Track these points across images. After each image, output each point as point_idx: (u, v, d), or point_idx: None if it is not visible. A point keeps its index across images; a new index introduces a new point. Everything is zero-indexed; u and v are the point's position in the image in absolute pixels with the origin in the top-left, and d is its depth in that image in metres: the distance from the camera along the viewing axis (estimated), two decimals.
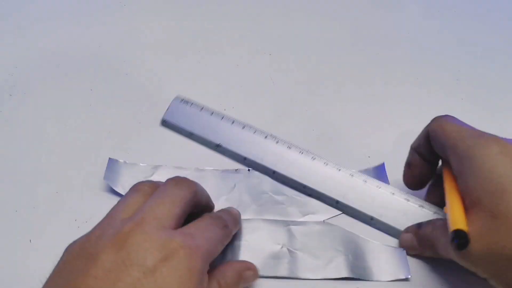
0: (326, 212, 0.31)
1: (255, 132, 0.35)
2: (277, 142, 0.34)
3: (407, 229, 0.29)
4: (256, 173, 0.33)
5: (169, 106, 0.37)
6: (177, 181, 0.24)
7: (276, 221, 0.30)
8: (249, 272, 0.25)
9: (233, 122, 0.35)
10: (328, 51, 0.45)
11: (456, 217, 0.22)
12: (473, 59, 0.46)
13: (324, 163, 0.32)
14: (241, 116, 0.38)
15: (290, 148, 0.33)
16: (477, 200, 0.22)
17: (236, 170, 0.33)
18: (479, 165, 0.22)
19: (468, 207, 0.23)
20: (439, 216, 0.29)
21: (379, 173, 0.33)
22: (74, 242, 0.21)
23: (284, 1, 0.52)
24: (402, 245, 0.29)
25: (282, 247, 0.29)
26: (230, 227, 0.25)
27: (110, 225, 0.20)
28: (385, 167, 0.33)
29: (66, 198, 0.31)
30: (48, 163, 0.34)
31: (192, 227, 0.22)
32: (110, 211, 0.22)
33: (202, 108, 0.36)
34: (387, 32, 0.48)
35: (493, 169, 0.22)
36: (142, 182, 0.25)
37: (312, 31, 0.48)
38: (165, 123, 0.36)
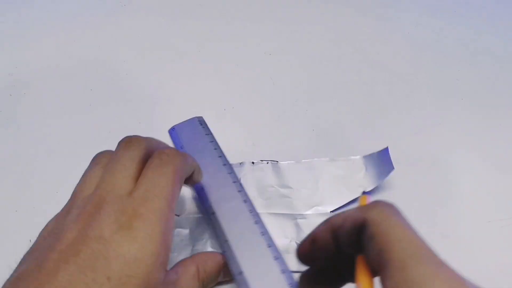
0: (332, 203, 0.31)
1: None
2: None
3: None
4: (260, 165, 0.33)
5: (186, 121, 0.36)
6: (126, 143, 0.24)
7: (283, 215, 0.30)
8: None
9: (230, 173, 0.31)
10: (328, 51, 0.45)
11: None
12: (473, 59, 0.46)
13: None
14: (241, 116, 0.38)
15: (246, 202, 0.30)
16: None
17: (240, 163, 0.33)
18: None
19: None
20: None
21: (383, 157, 0.33)
22: (46, 225, 0.22)
23: (284, 1, 0.52)
24: None
25: (290, 241, 0.29)
26: (186, 158, 0.25)
27: (74, 205, 0.22)
28: (389, 151, 0.32)
29: (66, 198, 0.31)
30: (48, 163, 0.34)
31: (144, 183, 0.22)
32: (74, 189, 0.23)
33: (212, 141, 0.33)
34: (387, 31, 0.48)
35: None
36: (100, 152, 0.25)
37: (312, 31, 0.48)
38: (171, 132, 0.35)
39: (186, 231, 0.29)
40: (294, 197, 0.31)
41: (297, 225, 0.30)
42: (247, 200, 0.29)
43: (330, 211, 0.31)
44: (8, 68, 0.41)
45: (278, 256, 0.26)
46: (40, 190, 0.32)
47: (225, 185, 0.30)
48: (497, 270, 0.29)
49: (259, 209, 0.30)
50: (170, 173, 0.23)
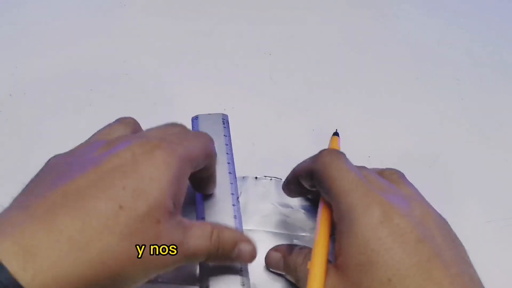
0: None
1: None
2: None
3: (277, 247, 0.27)
4: (263, 181, 0.33)
5: (211, 114, 0.34)
6: (168, 124, 0.26)
7: (279, 234, 0.30)
8: (246, 245, 0.25)
9: (232, 183, 0.31)
10: (328, 51, 0.45)
11: (317, 276, 0.22)
12: (473, 59, 0.46)
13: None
14: (241, 116, 0.38)
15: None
16: (345, 265, 0.21)
17: (243, 177, 0.33)
18: (356, 232, 0.21)
19: (336, 264, 0.22)
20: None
21: None
22: (56, 156, 0.24)
23: (284, 1, 0.52)
24: (267, 262, 0.27)
25: None
26: (212, 143, 0.26)
27: (105, 141, 0.23)
28: None
29: None
30: None
31: (172, 136, 0.24)
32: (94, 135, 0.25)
33: (227, 144, 0.32)
34: (387, 32, 0.48)
35: (367, 241, 0.20)
36: (124, 117, 0.27)
37: (312, 31, 0.48)
38: (193, 120, 0.34)
39: None
40: (293, 217, 0.31)
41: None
42: (237, 216, 0.28)
43: None
44: (8, 68, 0.41)
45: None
46: None
47: (222, 193, 0.29)
48: (497, 270, 0.29)
49: (254, 226, 0.30)
50: (201, 142, 0.24)
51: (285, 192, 0.29)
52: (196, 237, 0.22)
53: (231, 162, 0.31)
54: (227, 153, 0.32)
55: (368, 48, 0.46)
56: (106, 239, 0.18)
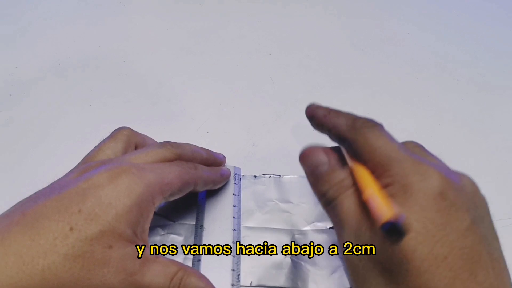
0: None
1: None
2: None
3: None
4: (262, 179, 0.33)
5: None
6: (162, 144, 0.27)
7: (281, 230, 0.30)
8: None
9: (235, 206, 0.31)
10: (328, 51, 0.45)
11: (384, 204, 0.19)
12: (473, 59, 0.46)
13: None
14: (241, 116, 0.38)
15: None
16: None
17: (242, 176, 0.33)
18: (412, 198, 0.19)
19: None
20: None
21: None
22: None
23: (284, 1, 0.52)
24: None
25: (285, 256, 0.28)
26: (197, 169, 0.27)
27: (86, 164, 0.24)
28: None
29: None
30: (48, 163, 0.34)
31: (148, 163, 0.24)
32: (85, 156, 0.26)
33: (235, 206, 0.31)
34: (387, 32, 0.48)
35: (425, 210, 0.19)
36: (119, 128, 0.28)
37: (312, 32, 0.48)
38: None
39: (180, 238, 0.29)
40: (293, 212, 0.31)
41: (295, 241, 0.29)
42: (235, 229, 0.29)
43: (329, 228, 0.30)
44: (8, 68, 0.41)
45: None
46: None
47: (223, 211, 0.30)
48: None
49: (255, 224, 0.30)
50: (177, 170, 0.24)
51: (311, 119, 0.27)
52: (155, 273, 0.22)
53: (236, 217, 0.30)
54: (234, 205, 0.31)
55: (368, 48, 0.46)
56: (51, 257, 0.19)
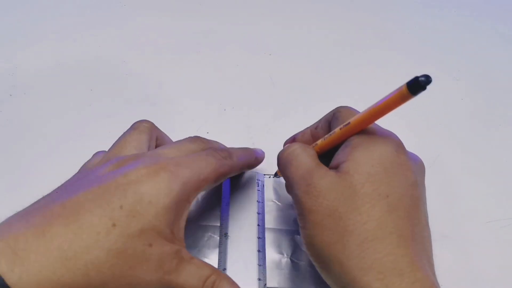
0: None
1: None
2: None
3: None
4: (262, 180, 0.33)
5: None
6: (193, 138, 0.27)
7: (280, 230, 0.30)
8: None
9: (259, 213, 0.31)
10: (328, 51, 0.45)
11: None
12: (473, 58, 0.46)
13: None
14: (241, 116, 0.38)
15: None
16: (352, 171, 0.23)
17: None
18: (374, 148, 0.23)
19: (340, 168, 0.23)
20: None
21: None
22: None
23: (284, 1, 0.52)
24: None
25: (285, 257, 0.28)
26: (232, 158, 0.26)
27: (118, 158, 0.23)
28: None
29: None
30: (48, 163, 0.34)
31: (183, 157, 0.24)
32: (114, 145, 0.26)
33: (259, 214, 0.31)
34: (387, 32, 0.48)
35: (384, 159, 0.23)
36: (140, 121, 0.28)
37: (312, 31, 0.48)
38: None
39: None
40: (293, 211, 0.31)
41: (294, 241, 0.29)
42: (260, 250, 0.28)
43: None
44: (8, 68, 0.41)
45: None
46: (40, 190, 0.32)
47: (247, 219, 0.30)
48: (496, 270, 0.29)
49: (257, 224, 0.30)
50: (213, 163, 0.24)
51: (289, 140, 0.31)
52: (189, 274, 0.22)
53: (261, 225, 0.30)
54: (258, 213, 0.31)
55: (367, 48, 0.46)
56: (94, 253, 0.19)
